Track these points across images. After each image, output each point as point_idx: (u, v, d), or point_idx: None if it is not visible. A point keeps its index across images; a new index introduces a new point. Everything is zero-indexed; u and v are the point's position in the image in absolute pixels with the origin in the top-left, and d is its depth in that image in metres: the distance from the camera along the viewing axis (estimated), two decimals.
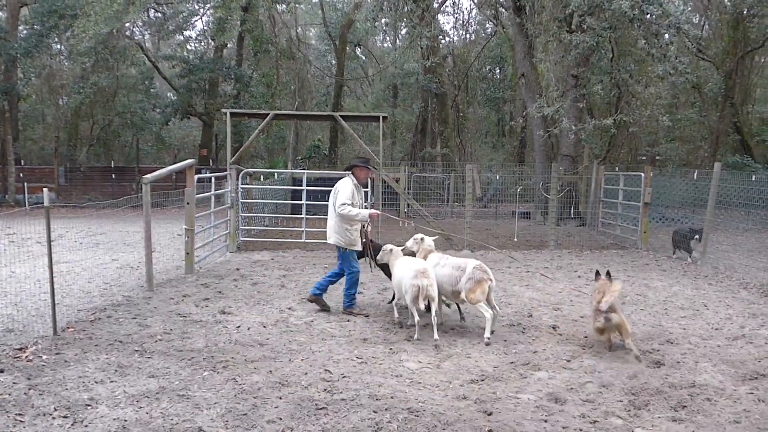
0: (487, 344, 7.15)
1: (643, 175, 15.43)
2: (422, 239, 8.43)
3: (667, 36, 17.83)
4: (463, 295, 7.57)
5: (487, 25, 39.29)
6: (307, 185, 15.63)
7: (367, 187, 15.81)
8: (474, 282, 7.49)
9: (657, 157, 30.80)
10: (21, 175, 27.84)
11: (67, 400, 5.21)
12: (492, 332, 7.38)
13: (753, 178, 15.01)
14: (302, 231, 15.37)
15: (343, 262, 8.64)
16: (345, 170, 9.02)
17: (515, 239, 16.63)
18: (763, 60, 32.70)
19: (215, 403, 5.24)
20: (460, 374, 6.17)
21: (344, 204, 8.26)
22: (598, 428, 4.94)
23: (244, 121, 30.57)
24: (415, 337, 7.36)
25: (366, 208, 8.84)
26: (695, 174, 17.49)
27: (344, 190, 8.38)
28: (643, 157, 30.39)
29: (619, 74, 19.82)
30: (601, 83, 23.80)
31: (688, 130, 31.35)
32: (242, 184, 15.01)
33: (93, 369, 5.99)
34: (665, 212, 20.40)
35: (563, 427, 4.94)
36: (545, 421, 5.06)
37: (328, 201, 8.60)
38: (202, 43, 38.41)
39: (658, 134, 32.04)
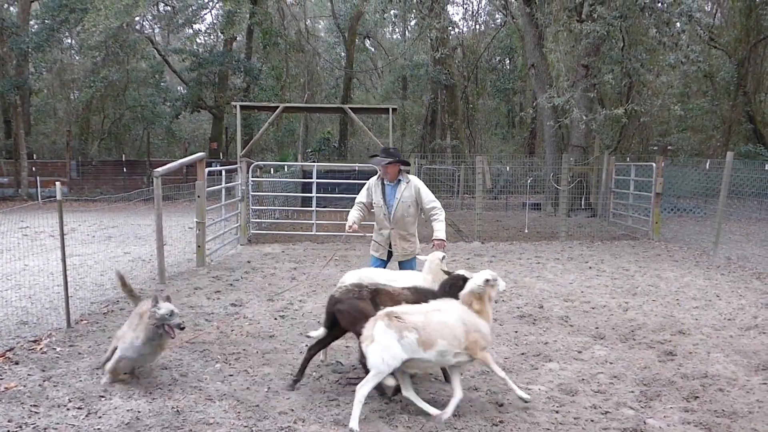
0: None
1: (654, 165, 15.34)
2: None
3: (678, 24, 17.68)
4: None
5: (497, 16, 39.09)
6: (317, 178, 15.64)
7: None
8: None
9: (669, 147, 30.61)
10: (33, 169, 27.99)
11: (81, 391, 5.26)
12: None
13: (766, 167, 14.92)
14: (313, 224, 15.38)
15: None
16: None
17: (526, 230, 16.59)
18: None
19: (227, 395, 5.27)
20: (471, 365, 6.16)
21: (356, 203, 7.38)
22: (609, 419, 4.94)
23: (254, 114, 30.64)
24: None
25: (387, 210, 7.21)
26: (707, 164, 17.38)
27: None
28: (655, 147, 30.22)
29: (630, 63, 19.68)
30: (612, 73, 23.65)
31: (700, 119, 31.13)
32: (253, 177, 15.03)
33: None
34: (677, 203, 20.32)
35: (574, 418, 4.94)
36: (556, 412, 5.06)
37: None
38: (212, 37, 38.32)
39: (669, 124, 31.85)
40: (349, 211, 7.36)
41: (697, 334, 7.27)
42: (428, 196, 7.14)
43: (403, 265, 7.28)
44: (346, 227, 7.08)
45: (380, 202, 7.18)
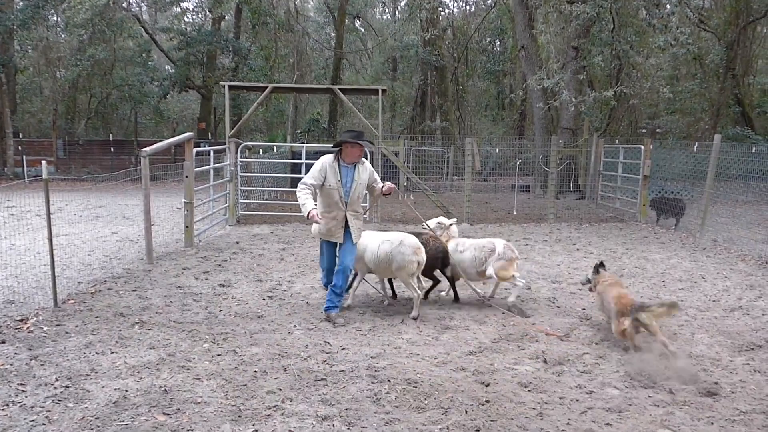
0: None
1: (642, 147, 15.40)
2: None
3: (668, 6, 17.70)
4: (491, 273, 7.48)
5: None
6: (306, 159, 15.59)
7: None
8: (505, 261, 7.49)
9: (657, 130, 30.67)
10: (19, 148, 27.75)
11: (69, 370, 5.26)
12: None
13: (753, 150, 14.97)
14: None
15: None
16: (334, 147, 7.26)
17: (514, 212, 16.64)
18: (765, 30, 32.33)
19: (215, 374, 5.28)
20: (459, 346, 6.21)
21: (302, 183, 6.89)
22: (594, 398, 4.99)
23: (242, 94, 30.44)
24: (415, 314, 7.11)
25: (343, 192, 6.98)
26: (695, 146, 17.43)
27: (313, 167, 6.98)
28: (644, 130, 30.25)
29: (619, 45, 19.64)
30: (602, 55, 23.63)
31: (688, 102, 31.16)
32: (241, 158, 14.96)
33: (94, 340, 6.03)
34: (665, 185, 20.39)
35: (560, 398, 4.99)
36: (542, 391, 5.11)
37: None
38: (200, 15, 38.09)
39: (658, 106, 31.90)
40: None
41: (682, 315, 7.33)
42: (377, 176, 7.29)
43: (348, 244, 7.09)
44: (310, 216, 6.63)
45: (336, 185, 6.90)
